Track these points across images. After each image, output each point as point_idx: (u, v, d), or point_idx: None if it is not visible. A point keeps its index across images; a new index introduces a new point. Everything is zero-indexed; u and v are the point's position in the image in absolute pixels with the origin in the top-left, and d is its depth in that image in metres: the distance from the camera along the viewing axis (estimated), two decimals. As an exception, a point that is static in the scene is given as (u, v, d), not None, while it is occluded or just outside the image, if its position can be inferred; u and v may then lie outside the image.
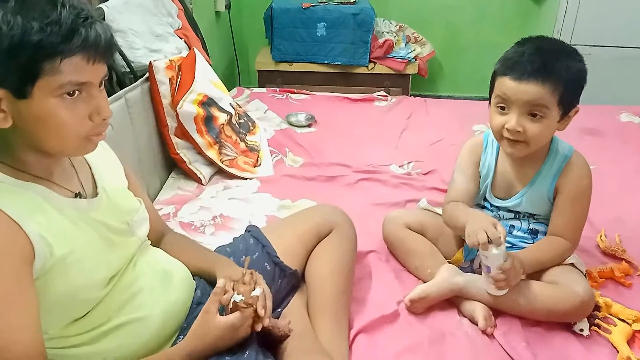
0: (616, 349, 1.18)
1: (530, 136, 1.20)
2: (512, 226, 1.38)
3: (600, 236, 1.53)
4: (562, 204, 1.29)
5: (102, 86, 0.87)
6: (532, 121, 1.19)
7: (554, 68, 1.15)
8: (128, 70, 1.81)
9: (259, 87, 3.06)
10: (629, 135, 2.16)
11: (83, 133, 0.85)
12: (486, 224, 1.18)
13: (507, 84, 1.18)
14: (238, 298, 0.97)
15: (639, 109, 2.38)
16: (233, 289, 0.99)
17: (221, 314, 0.97)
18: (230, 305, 0.97)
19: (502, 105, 1.21)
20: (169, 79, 1.81)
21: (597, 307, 1.27)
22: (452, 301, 1.32)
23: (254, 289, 1.00)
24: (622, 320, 1.25)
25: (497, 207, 1.38)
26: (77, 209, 0.91)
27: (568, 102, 1.20)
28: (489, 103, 1.28)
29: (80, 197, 0.93)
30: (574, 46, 1.24)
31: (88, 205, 0.93)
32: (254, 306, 0.97)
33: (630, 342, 1.21)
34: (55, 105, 0.79)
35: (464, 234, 1.23)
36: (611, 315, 1.27)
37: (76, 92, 0.81)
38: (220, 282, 1.00)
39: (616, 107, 2.41)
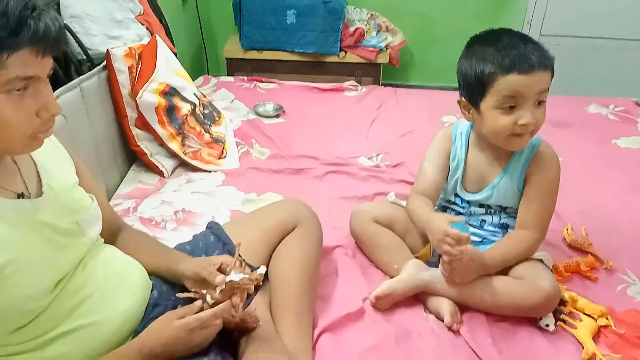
0: (582, 345, 1.18)
1: (539, 124, 1.20)
2: (484, 221, 1.37)
3: (567, 229, 1.53)
4: (530, 193, 1.28)
5: (48, 79, 0.81)
6: (538, 108, 1.19)
7: (547, 52, 1.18)
8: (85, 57, 1.72)
9: (228, 75, 2.98)
10: (597, 127, 2.17)
11: (30, 131, 0.79)
12: (445, 226, 1.17)
13: (516, 81, 1.15)
14: (238, 277, 0.95)
15: (607, 101, 2.38)
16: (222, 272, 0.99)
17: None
18: (223, 287, 0.95)
19: (511, 103, 1.18)
20: (129, 67, 1.73)
21: (563, 302, 1.26)
22: (419, 297, 1.30)
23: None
24: (588, 315, 1.25)
25: (467, 201, 1.36)
26: (19, 212, 0.85)
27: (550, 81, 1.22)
28: (467, 104, 1.26)
29: (23, 198, 0.87)
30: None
31: (32, 206, 0.87)
32: (256, 283, 0.97)
33: (595, 337, 1.20)
34: (1, 102, 0.74)
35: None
36: (577, 310, 1.26)
37: (23, 87, 0.76)
38: (219, 259, 1.01)
39: (585, 98, 2.41)
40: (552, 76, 1.19)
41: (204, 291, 0.98)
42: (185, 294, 1.01)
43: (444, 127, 1.44)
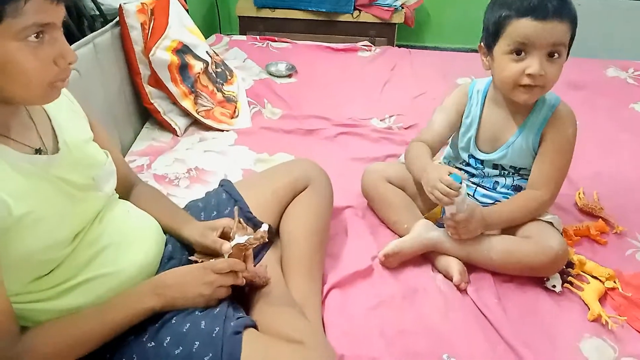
0: (587, 306, 1.19)
1: (549, 78, 1.18)
2: (497, 182, 1.36)
3: (579, 194, 1.52)
4: (545, 152, 1.27)
5: (61, 29, 0.81)
6: (551, 62, 1.17)
7: (570, 5, 1.15)
8: (97, 13, 1.71)
9: (240, 34, 2.94)
10: (614, 91, 2.13)
11: (48, 79, 0.80)
12: (441, 173, 1.19)
13: (528, 26, 1.14)
14: (243, 239, 0.99)
15: (626, 64, 2.33)
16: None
17: None
18: (231, 251, 0.99)
19: (520, 49, 1.16)
20: (141, 23, 1.71)
21: (571, 264, 1.27)
22: (427, 256, 1.32)
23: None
24: (595, 277, 1.26)
25: (481, 161, 1.36)
26: (36, 166, 0.86)
27: (572, 40, 1.19)
28: (485, 50, 1.25)
29: (40, 153, 0.89)
30: None
31: (48, 161, 0.89)
32: (262, 241, 1.00)
33: (602, 299, 1.22)
34: (19, 50, 0.75)
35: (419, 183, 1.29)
36: (584, 272, 1.27)
37: (40, 34, 0.76)
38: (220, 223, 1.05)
39: (603, 61, 2.36)
40: (573, 32, 1.16)
41: (213, 260, 1.00)
42: (195, 263, 1.03)
43: (461, 85, 1.42)
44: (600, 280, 1.25)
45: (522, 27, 1.15)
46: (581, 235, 1.39)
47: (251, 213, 1.19)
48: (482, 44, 1.27)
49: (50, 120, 0.95)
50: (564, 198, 1.48)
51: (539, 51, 1.15)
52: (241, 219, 1.08)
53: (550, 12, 1.12)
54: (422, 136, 1.40)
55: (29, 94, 0.81)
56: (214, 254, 1.03)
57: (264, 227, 1.01)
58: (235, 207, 1.12)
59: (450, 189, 1.17)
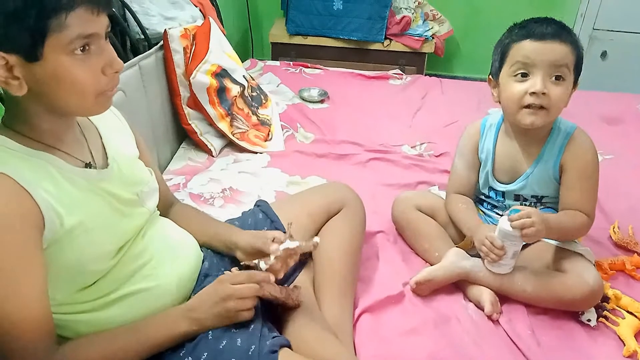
0: (623, 342, 1.17)
1: (553, 100, 1.19)
2: None
3: (613, 227, 1.51)
4: (571, 180, 1.27)
5: (107, 39, 0.85)
6: (555, 84, 1.19)
7: (568, 30, 1.21)
8: (142, 37, 1.78)
9: (272, 59, 3.01)
10: (648, 125, 2.11)
11: (99, 88, 0.84)
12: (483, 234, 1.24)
13: (529, 47, 1.19)
14: (293, 244, 1.02)
15: (659, 99, 2.32)
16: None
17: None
18: (279, 253, 1.01)
19: (524, 71, 1.20)
20: (184, 47, 1.78)
21: (606, 298, 1.26)
22: (459, 285, 1.32)
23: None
24: (631, 313, 1.24)
25: (502, 192, 1.36)
26: (87, 179, 0.90)
27: (578, 70, 1.22)
28: (494, 82, 1.28)
29: (90, 167, 0.92)
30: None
31: (98, 176, 0.93)
32: (313, 249, 1.05)
33: (637, 335, 1.20)
34: (69, 63, 0.78)
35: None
36: (620, 307, 1.26)
37: (86, 46, 0.80)
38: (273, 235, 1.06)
39: (636, 96, 2.34)
40: (577, 58, 1.20)
41: (256, 261, 1.02)
42: (238, 269, 1.04)
43: (471, 122, 1.44)
44: (636, 316, 1.23)
45: (523, 48, 1.20)
46: (616, 269, 1.37)
47: (292, 235, 1.20)
48: (490, 76, 1.31)
49: (100, 137, 1.00)
50: (599, 232, 1.46)
51: (541, 71, 1.18)
52: (292, 234, 1.09)
53: (549, 34, 1.18)
54: (453, 187, 1.42)
55: (83, 104, 0.84)
56: (262, 258, 1.04)
57: (316, 239, 1.05)
58: (288, 224, 1.13)
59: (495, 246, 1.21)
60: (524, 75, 1.20)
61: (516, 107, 1.23)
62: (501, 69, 1.25)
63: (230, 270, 1.04)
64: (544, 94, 1.18)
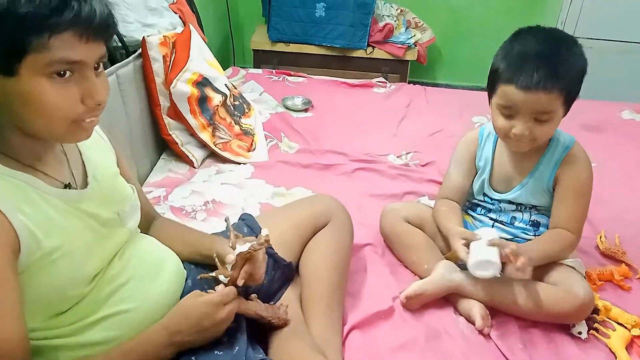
0: (614, 354, 1.17)
1: (538, 136, 1.19)
2: (514, 217, 1.35)
3: (600, 237, 1.51)
4: (563, 195, 1.27)
5: (102, 68, 0.81)
6: (539, 124, 1.17)
7: (559, 73, 1.12)
8: (120, 45, 1.73)
9: (254, 67, 2.98)
10: (631, 133, 2.13)
11: (72, 116, 0.78)
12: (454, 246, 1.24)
13: (513, 94, 1.14)
14: (245, 248, 0.98)
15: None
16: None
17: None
18: (234, 262, 0.98)
19: (508, 113, 1.18)
20: (163, 56, 1.74)
21: (596, 311, 1.25)
22: (449, 299, 1.29)
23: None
24: (621, 324, 1.23)
25: (497, 200, 1.35)
26: (66, 201, 0.86)
27: (572, 99, 1.18)
28: (489, 98, 1.24)
29: (70, 188, 0.88)
30: (577, 38, 1.20)
31: (78, 197, 0.88)
32: (266, 245, 0.99)
33: (628, 347, 1.19)
34: (44, 85, 0.73)
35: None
36: (610, 319, 1.25)
37: (67, 72, 0.75)
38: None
39: (618, 104, 2.37)
40: (565, 93, 1.14)
41: (213, 273, 0.99)
42: (204, 275, 1.02)
43: (470, 130, 1.43)
44: (626, 328, 1.22)
45: (506, 93, 1.16)
46: (605, 280, 1.37)
47: (272, 249, 1.17)
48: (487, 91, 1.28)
49: (80, 155, 0.95)
50: (586, 241, 1.46)
51: (525, 116, 1.16)
52: (235, 230, 1.06)
53: (535, 82, 1.10)
54: (443, 192, 1.41)
55: (53, 130, 0.79)
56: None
57: (264, 232, 1.00)
58: (225, 217, 1.10)
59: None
60: (509, 115, 1.18)
61: (502, 136, 1.23)
62: (491, 94, 1.22)
63: (213, 289, 1.01)
64: (525, 135, 1.17)
